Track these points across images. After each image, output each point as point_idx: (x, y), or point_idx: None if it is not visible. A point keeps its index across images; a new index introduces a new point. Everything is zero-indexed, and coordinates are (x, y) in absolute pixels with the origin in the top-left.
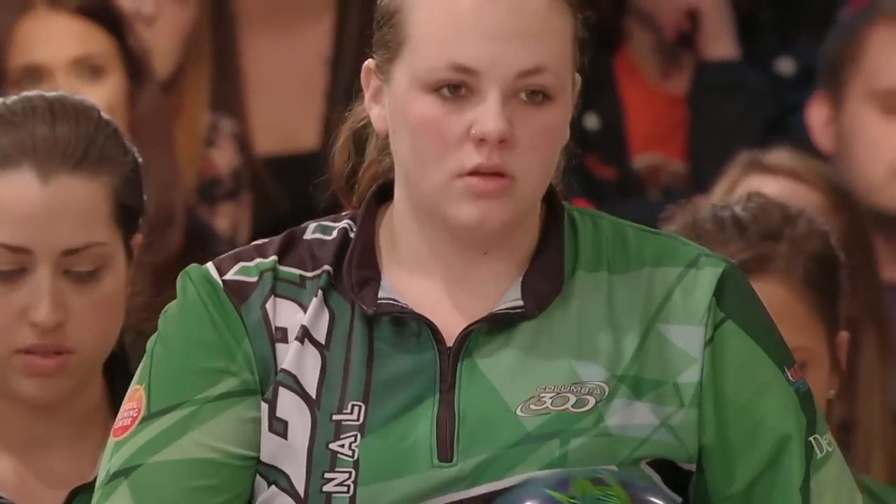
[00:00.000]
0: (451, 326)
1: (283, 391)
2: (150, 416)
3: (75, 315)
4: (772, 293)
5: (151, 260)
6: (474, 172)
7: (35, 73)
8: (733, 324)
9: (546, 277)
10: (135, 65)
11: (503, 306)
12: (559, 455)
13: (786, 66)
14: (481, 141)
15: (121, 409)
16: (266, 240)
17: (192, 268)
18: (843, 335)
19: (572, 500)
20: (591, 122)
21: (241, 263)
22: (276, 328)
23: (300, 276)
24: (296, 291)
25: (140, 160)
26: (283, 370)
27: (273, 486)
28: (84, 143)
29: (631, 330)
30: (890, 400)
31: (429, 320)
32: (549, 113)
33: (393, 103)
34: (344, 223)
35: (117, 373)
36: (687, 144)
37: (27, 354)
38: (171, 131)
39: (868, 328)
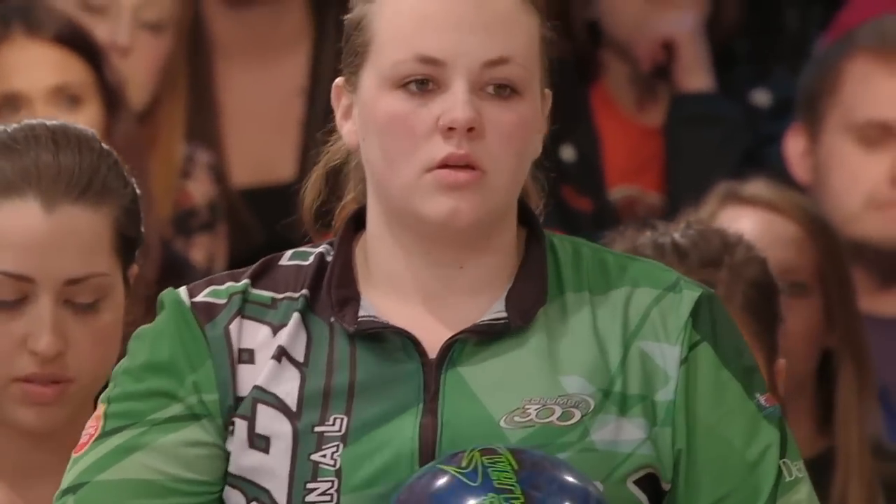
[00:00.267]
0: (433, 339)
1: (261, 407)
2: (103, 435)
3: (75, 345)
4: None
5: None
6: (444, 165)
7: (13, 102)
8: (708, 346)
9: (530, 291)
10: (111, 95)
11: (487, 318)
12: None
13: (761, 97)
14: (450, 130)
15: (85, 426)
16: (243, 268)
17: (166, 291)
18: (781, 363)
19: (460, 469)
20: (568, 153)
21: (213, 287)
22: (241, 350)
23: (271, 298)
24: (264, 312)
25: (139, 191)
26: (258, 387)
27: (254, 503)
28: (88, 173)
29: (613, 347)
30: (868, 431)
31: (410, 334)
32: (518, 107)
33: (362, 110)
34: (321, 248)
35: None
36: (663, 176)
37: (26, 383)
38: (146, 162)
39: (846, 359)
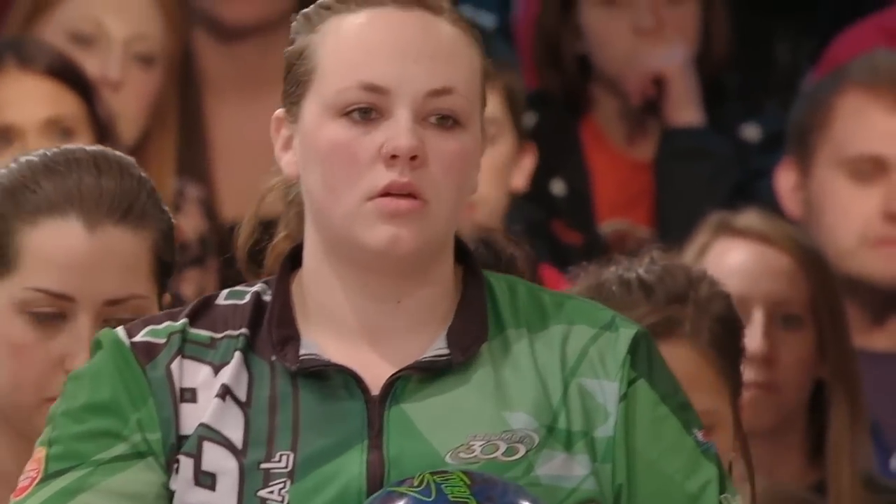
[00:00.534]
0: (375, 376)
1: (207, 445)
2: (46, 478)
3: None
4: (680, 356)
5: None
6: (386, 193)
7: (6, 134)
8: (645, 383)
9: (470, 328)
10: (102, 129)
11: (429, 355)
12: None
13: (751, 132)
14: (392, 158)
15: (24, 471)
16: (179, 308)
17: (104, 332)
18: (746, 398)
19: (413, 489)
20: (558, 187)
21: (151, 326)
22: (183, 389)
23: (210, 337)
24: (204, 352)
25: (174, 220)
26: (203, 425)
27: None
28: (129, 196)
29: (553, 383)
30: (860, 464)
31: (352, 371)
32: (460, 138)
33: (304, 139)
34: (257, 287)
35: None
36: (653, 210)
37: None
38: None
39: (838, 392)
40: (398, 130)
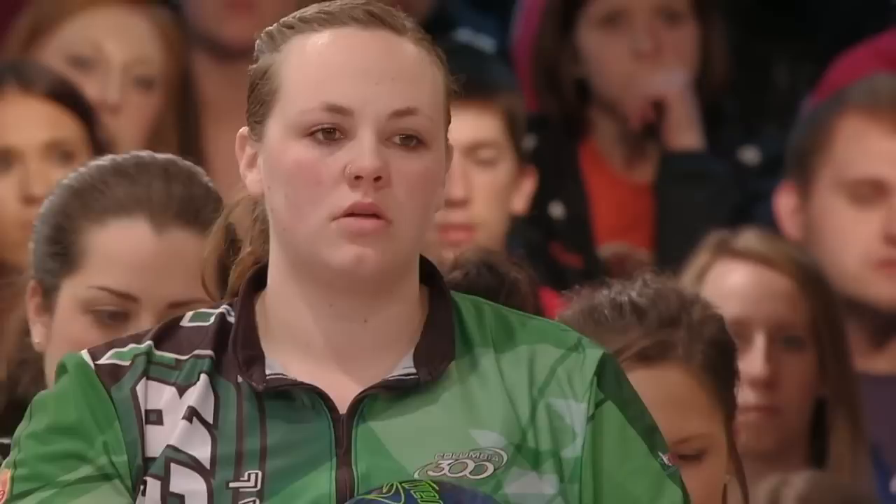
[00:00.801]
0: (341, 395)
1: (174, 466)
2: (12, 499)
3: None
4: (673, 380)
5: None
6: (350, 213)
7: (6, 157)
8: (612, 405)
9: (437, 346)
10: (102, 152)
11: (396, 373)
12: None
13: (750, 155)
14: (356, 179)
15: None
16: (144, 331)
17: (67, 355)
18: (739, 422)
19: (382, 495)
20: (557, 210)
21: (115, 349)
22: (148, 411)
23: (175, 359)
24: (169, 374)
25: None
26: (171, 447)
27: None
28: (196, 202)
29: (521, 402)
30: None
31: (319, 389)
32: (424, 158)
33: (268, 158)
34: (221, 309)
35: None
36: (652, 233)
37: None
38: None
39: (839, 415)
40: (362, 151)
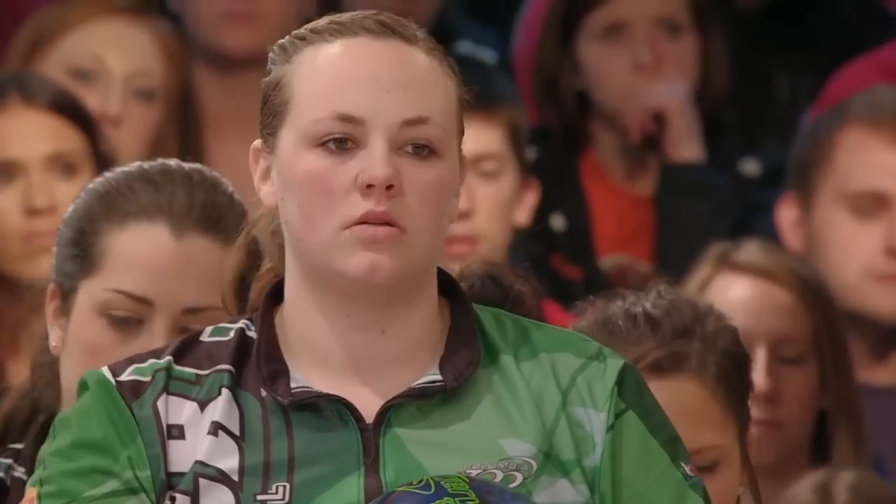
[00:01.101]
0: (366, 406)
1: (203, 481)
2: None
3: None
4: (686, 391)
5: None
6: (362, 221)
7: (9, 169)
8: (634, 415)
9: (462, 355)
10: (104, 165)
11: (421, 381)
12: None
13: (751, 166)
14: (368, 188)
15: None
16: (163, 346)
17: (89, 372)
18: (753, 433)
19: (412, 486)
20: (558, 222)
21: (135, 365)
22: (169, 426)
23: (196, 374)
24: (189, 389)
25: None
26: (199, 462)
27: None
28: (219, 210)
29: (548, 410)
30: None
31: (346, 400)
32: (436, 167)
33: (280, 170)
34: (241, 324)
35: None
36: (653, 245)
37: None
38: None
39: (841, 427)
40: (373, 160)
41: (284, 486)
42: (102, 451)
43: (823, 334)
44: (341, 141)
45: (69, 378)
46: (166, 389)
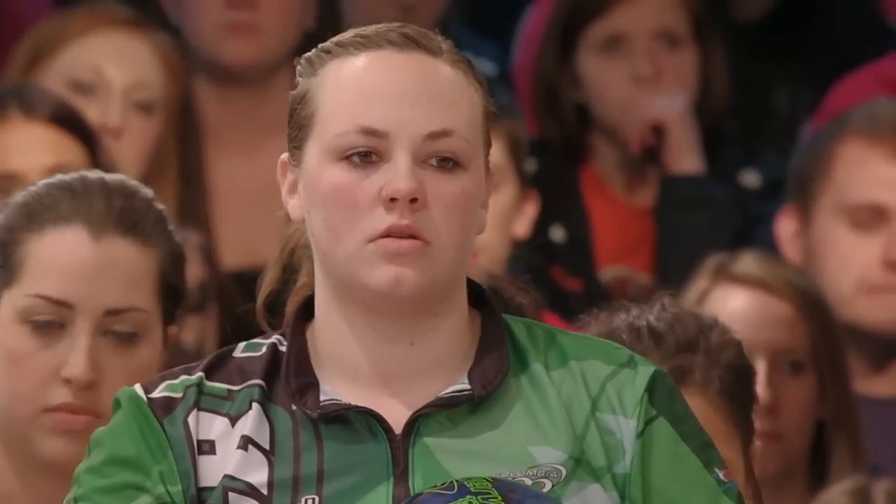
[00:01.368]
0: (395, 417)
1: (232, 496)
2: None
3: (109, 379)
4: (690, 405)
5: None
6: (386, 234)
7: (9, 181)
8: (665, 421)
9: (491, 365)
10: None
11: (450, 390)
12: None
13: (751, 178)
14: (392, 201)
15: None
16: (196, 363)
17: (122, 390)
18: (757, 446)
19: (436, 488)
20: (558, 234)
21: (168, 381)
22: (200, 441)
23: (227, 390)
24: (221, 404)
25: (186, 254)
26: (228, 476)
27: None
28: (136, 214)
29: (577, 417)
30: None
31: (374, 412)
32: (461, 180)
33: (306, 183)
34: (273, 339)
35: None
36: (653, 257)
37: (57, 412)
38: None
39: (839, 438)
40: (397, 173)
41: (314, 499)
42: (135, 467)
43: (822, 346)
44: (365, 154)
45: None
46: (197, 405)
